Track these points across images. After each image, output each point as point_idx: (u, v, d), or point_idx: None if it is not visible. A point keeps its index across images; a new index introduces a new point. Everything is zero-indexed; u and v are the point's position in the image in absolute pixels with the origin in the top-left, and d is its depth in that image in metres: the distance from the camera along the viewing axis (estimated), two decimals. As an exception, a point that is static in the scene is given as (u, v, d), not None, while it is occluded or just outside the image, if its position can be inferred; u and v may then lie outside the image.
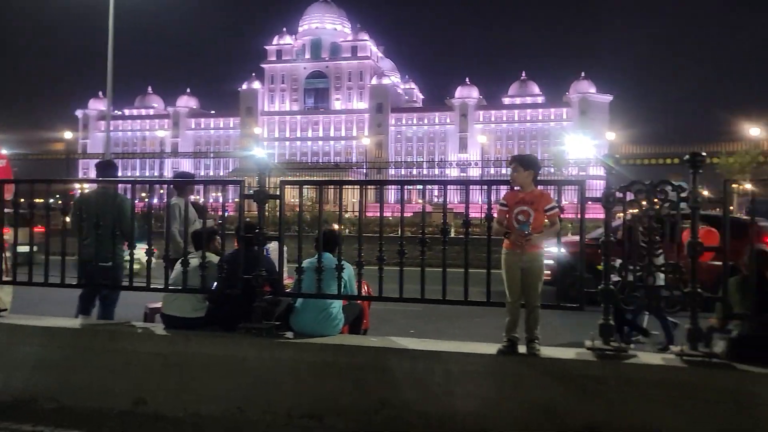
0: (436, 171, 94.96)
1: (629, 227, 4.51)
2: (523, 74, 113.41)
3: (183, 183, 6.65)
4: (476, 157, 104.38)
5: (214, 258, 5.44)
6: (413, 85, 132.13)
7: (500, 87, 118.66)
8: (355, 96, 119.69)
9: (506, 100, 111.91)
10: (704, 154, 4.42)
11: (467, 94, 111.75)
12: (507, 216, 4.56)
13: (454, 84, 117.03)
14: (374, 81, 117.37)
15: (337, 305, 5.26)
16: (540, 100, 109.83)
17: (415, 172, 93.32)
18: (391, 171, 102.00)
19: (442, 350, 4.66)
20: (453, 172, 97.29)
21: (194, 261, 5.33)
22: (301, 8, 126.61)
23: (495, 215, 4.69)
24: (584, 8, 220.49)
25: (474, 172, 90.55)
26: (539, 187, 4.63)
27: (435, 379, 4.55)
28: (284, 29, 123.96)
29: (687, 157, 4.39)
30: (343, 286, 5.17)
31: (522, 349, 4.53)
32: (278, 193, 5.24)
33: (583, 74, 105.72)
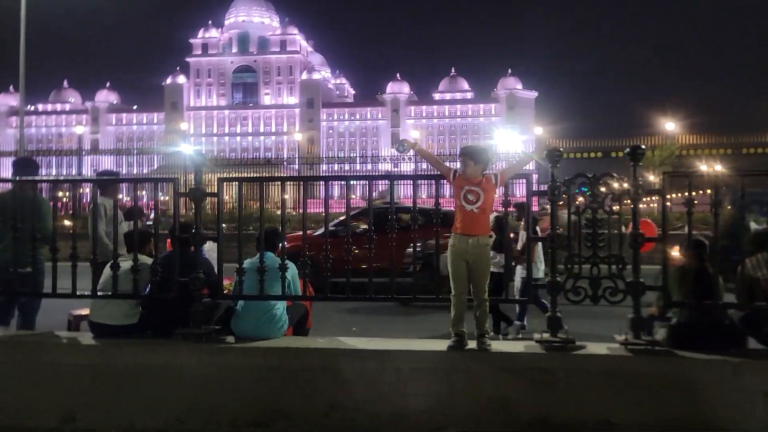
0: (369, 166, 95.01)
1: (575, 220, 4.54)
2: (453, 70, 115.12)
3: (109, 182, 6.26)
4: (409, 152, 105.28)
5: (146, 261, 5.14)
6: (344, 81, 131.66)
7: (431, 83, 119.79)
8: (285, 91, 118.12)
9: (437, 96, 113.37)
10: (643, 147, 4.49)
11: (398, 89, 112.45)
12: (456, 199, 4.51)
13: (385, 79, 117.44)
14: (304, 76, 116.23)
15: (280, 306, 5.07)
16: (469, 95, 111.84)
17: (347, 167, 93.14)
18: (324, 167, 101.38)
19: (391, 349, 4.56)
20: (386, 167, 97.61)
21: (125, 264, 5.01)
22: (227, 1, 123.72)
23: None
24: (511, 6, 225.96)
25: (407, 167, 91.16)
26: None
27: (386, 378, 4.44)
28: (210, 22, 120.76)
29: (627, 150, 4.46)
30: (286, 286, 4.99)
31: (471, 344, 4.49)
32: (216, 191, 4.99)
33: (509, 71, 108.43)
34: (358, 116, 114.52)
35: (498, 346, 4.46)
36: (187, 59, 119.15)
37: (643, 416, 4.09)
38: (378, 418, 4.33)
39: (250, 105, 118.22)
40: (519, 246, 6.71)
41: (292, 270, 5.08)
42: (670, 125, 33.91)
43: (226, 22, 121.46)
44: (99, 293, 5.02)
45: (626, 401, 4.14)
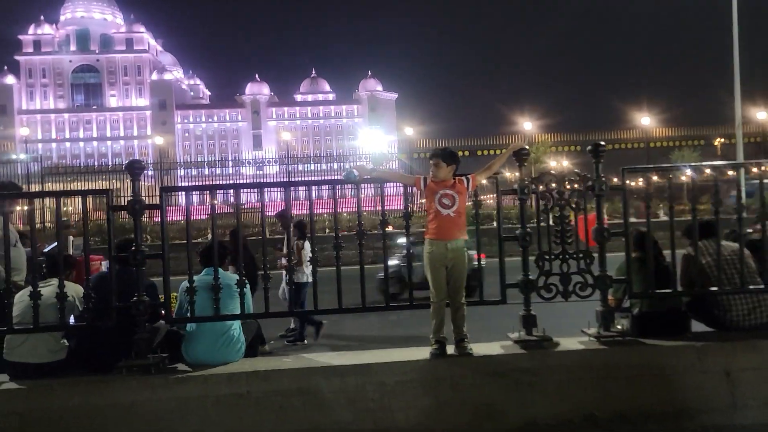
0: (231, 170, 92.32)
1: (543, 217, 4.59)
2: (314, 72, 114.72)
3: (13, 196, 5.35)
4: (272, 154, 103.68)
5: (71, 286, 4.46)
6: (198, 81, 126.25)
7: (291, 84, 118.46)
8: (133, 92, 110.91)
9: (298, 97, 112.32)
10: (603, 143, 4.63)
11: (258, 90, 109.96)
12: (428, 204, 4.38)
13: (243, 80, 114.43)
14: (155, 76, 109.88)
15: (237, 326, 4.63)
16: (331, 97, 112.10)
17: (207, 171, 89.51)
18: (181, 172, 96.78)
19: (372, 362, 4.31)
20: (249, 171, 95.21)
21: (48, 291, 4.31)
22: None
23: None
24: (369, 9, 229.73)
25: (272, 170, 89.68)
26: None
27: (368, 394, 4.20)
28: (42, 17, 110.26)
29: (589, 147, 4.58)
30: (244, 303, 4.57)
31: (451, 349, 4.38)
32: (158, 202, 4.44)
33: (369, 73, 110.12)
34: (216, 118, 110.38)
35: (478, 349, 4.38)
36: (17, 57, 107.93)
37: (623, 406, 4.20)
38: (366, 437, 4.08)
39: (94, 107, 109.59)
40: (285, 250, 6.52)
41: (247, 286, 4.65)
42: (527, 125, 36.26)
43: (62, 18, 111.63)
44: (15, 326, 4.26)
45: (607, 393, 4.24)
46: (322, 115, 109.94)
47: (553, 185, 4.53)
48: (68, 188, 27.56)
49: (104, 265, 5.28)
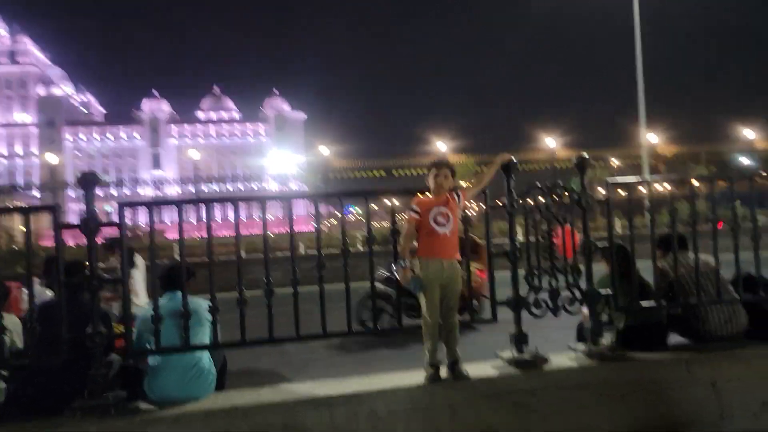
0: (128, 192, 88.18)
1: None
2: (216, 89, 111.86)
3: None
4: (173, 174, 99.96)
5: (9, 318, 3.84)
6: (91, 97, 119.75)
7: (193, 101, 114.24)
8: (16, 107, 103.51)
9: (201, 115, 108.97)
10: (587, 156, 4.59)
11: (156, 107, 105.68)
12: (420, 223, 4.13)
13: (140, 96, 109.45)
14: (42, 91, 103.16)
15: (206, 358, 4.14)
16: (236, 115, 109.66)
17: (102, 194, 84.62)
18: (72, 193, 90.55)
19: (361, 391, 3.98)
20: (148, 192, 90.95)
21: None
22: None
23: (405, 223, 4.20)
24: (275, 27, 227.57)
25: (172, 191, 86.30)
26: None
27: (360, 426, 3.85)
28: None
29: (575, 160, 4.53)
30: (210, 331, 4.12)
31: (443, 372, 4.13)
32: (117, 219, 3.91)
33: (276, 91, 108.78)
34: (111, 136, 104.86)
35: (473, 371, 4.15)
36: None
37: (621, 423, 4.11)
38: (363, 474, 3.73)
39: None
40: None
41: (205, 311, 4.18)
42: (441, 144, 37.00)
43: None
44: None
45: (604, 411, 4.13)
46: (226, 133, 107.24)
47: (541, 199, 4.42)
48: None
49: (26, 292, 4.62)
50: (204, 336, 4.09)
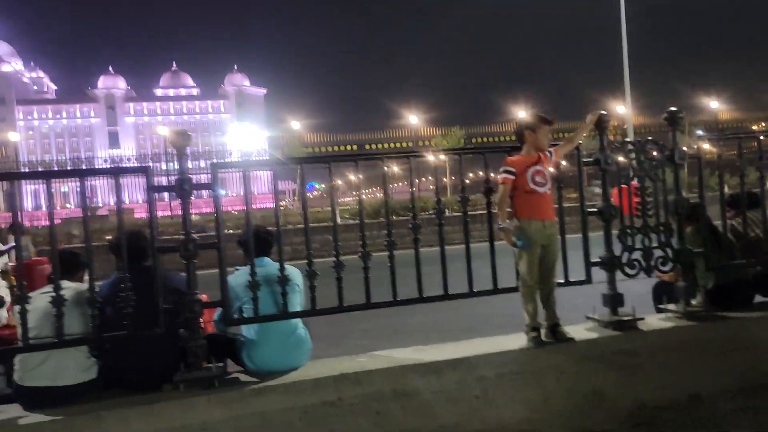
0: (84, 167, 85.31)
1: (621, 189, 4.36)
2: (174, 65, 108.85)
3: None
4: (131, 152, 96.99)
5: (83, 288, 3.55)
6: (42, 74, 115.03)
7: (150, 78, 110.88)
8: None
9: (159, 92, 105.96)
10: (677, 110, 4.43)
11: (112, 84, 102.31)
12: (516, 183, 3.97)
13: (95, 73, 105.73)
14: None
15: (301, 326, 3.92)
16: (195, 92, 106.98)
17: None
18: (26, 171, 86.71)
19: (468, 355, 3.83)
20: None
21: (69, 295, 3.37)
22: None
23: (500, 185, 4.02)
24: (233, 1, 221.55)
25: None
26: None
27: (471, 391, 3.72)
28: None
29: (666, 115, 4.42)
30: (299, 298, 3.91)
31: (543, 335, 4.02)
32: (210, 180, 3.64)
33: (236, 67, 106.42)
34: (65, 114, 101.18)
35: (575, 334, 4.05)
36: None
37: (723, 382, 4.07)
38: (479, 440, 3.60)
39: None
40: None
41: (300, 278, 3.97)
42: (413, 118, 36.74)
43: None
44: (32, 342, 3.28)
45: (706, 370, 4.09)
46: (185, 110, 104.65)
47: (633, 155, 4.31)
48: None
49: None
50: (297, 303, 3.87)
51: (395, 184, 22.69)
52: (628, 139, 4.36)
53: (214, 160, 3.80)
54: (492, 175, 4.20)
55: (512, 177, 3.96)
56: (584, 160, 4.35)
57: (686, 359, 4.09)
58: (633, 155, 4.32)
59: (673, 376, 4.02)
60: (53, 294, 3.23)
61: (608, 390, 3.90)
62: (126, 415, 3.19)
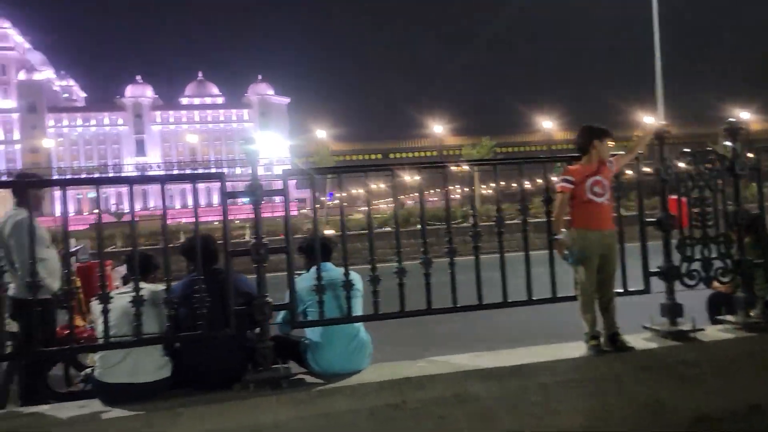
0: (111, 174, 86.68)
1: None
2: (200, 74, 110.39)
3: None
4: (157, 159, 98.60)
5: (159, 289, 3.65)
6: (72, 82, 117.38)
7: (177, 87, 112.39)
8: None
9: (184, 101, 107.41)
10: (737, 122, 4.45)
11: (140, 92, 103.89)
12: (575, 192, 4.01)
13: (123, 82, 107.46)
14: (23, 76, 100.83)
15: (363, 329, 3.99)
16: (220, 100, 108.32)
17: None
18: (57, 178, 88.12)
19: (528, 362, 3.86)
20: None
21: (147, 295, 3.48)
22: None
23: (557, 194, 4.06)
24: (259, 12, 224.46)
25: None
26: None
27: (531, 398, 3.75)
28: None
29: (725, 126, 4.42)
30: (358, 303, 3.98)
31: (603, 344, 4.03)
32: (282, 187, 3.74)
33: (260, 77, 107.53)
34: (94, 122, 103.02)
35: (635, 343, 4.06)
36: None
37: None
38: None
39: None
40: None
41: (361, 283, 4.04)
42: (438, 128, 36.80)
43: None
44: (113, 340, 3.40)
45: (767, 382, 4.07)
46: (210, 119, 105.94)
47: (692, 166, 4.32)
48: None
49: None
50: (359, 308, 3.94)
51: (411, 195, 22.68)
52: (687, 150, 4.33)
53: (285, 168, 3.87)
54: (551, 180, 4.24)
55: (571, 186, 4.00)
56: (643, 169, 4.37)
57: (747, 370, 4.07)
58: (692, 166, 4.33)
59: (734, 387, 4.01)
60: (132, 294, 3.33)
61: (668, 400, 3.90)
62: (201, 412, 3.27)
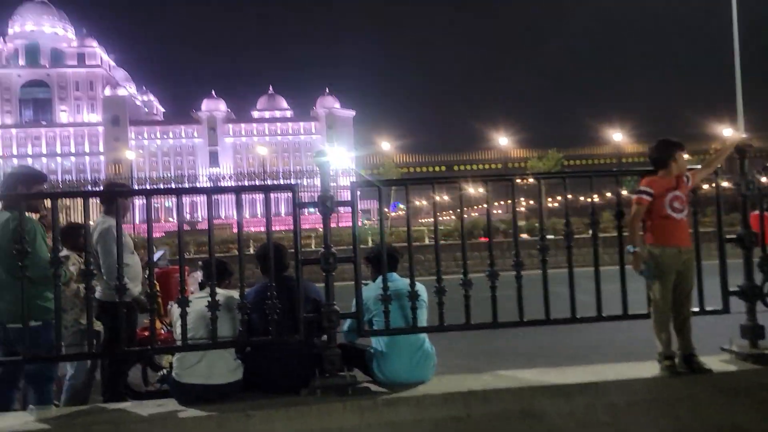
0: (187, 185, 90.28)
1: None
2: (271, 89, 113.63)
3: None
4: (229, 170, 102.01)
5: (233, 295, 3.79)
6: (152, 97, 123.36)
7: (248, 101, 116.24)
8: (85, 107, 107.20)
9: (255, 114, 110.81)
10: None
11: (214, 107, 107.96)
12: (652, 206, 3.90)
13: (198, 97, 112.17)
14: (108, 91, 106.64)
15: (427, 340, 4.02)
16: (289, 114, 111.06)
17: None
18: (143, 188, 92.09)
19: (599, 380, 3.78)
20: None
21: (221, 300, 3.63)
22: (10, 8, 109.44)
23: (633, 205, 3.96)
24: (327, 27, 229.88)
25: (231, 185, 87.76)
26: None
27: (599, 417, 3.66)
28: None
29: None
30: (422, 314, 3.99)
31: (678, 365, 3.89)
32: (350, 198, 3.83)
33: (327, 90, 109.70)
34: (171, 135, 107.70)
35: (712, 365, 3.90)
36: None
37: None
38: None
39: (44, 123, 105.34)
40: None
41: (426, 294, 4.06)
42: (503, 140, 36.41)
43: (10, 32, 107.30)
44: (190, 342, 3.56)
45: None
46: (279, 132, 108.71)
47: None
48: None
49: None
50: (424, 318, 3.97)
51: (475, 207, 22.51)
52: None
53: (353, 179, 3.96)
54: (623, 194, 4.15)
55: (649, 199, 3.89)
56: (723, 184, 4.22)
57: (835, 399, 3.83)
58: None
59: (820, 416, 3.78)
60: (209, 299, 3.49)
61: (747, 425, 3.72)
62: (271, 415, 3.38)
